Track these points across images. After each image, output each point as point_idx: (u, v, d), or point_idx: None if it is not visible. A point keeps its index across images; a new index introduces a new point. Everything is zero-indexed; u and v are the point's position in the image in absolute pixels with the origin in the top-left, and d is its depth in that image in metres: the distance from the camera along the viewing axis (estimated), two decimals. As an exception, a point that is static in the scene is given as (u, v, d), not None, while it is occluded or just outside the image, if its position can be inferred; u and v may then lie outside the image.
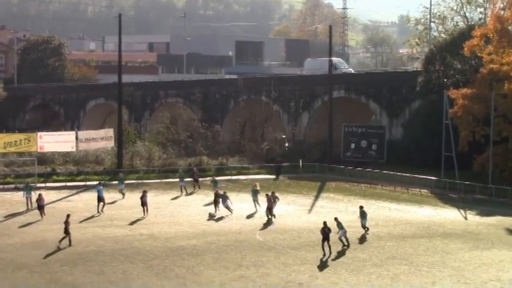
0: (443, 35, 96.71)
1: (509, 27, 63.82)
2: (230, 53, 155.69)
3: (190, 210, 51.33)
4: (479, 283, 32.67)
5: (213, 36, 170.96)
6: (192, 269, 34.65)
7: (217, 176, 68.64)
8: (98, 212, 49.51)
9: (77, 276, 33.26)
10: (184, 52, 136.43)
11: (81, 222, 46.04)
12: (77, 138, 71.02)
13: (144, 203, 48.28)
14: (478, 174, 61.31)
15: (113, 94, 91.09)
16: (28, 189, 52.03)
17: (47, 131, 75.40)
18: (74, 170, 68.98)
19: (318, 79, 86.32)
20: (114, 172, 68.32)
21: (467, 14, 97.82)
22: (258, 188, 52.02)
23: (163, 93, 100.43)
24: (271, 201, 47.15)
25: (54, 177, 66.29)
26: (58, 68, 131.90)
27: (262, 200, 49.15)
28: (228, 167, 72.17)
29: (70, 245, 38.88)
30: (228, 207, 48.95)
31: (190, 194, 58.93)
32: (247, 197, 53.49)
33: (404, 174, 64.75)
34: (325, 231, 37.35)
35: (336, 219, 39.23)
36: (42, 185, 62.30)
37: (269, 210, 46.75)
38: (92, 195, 56.00)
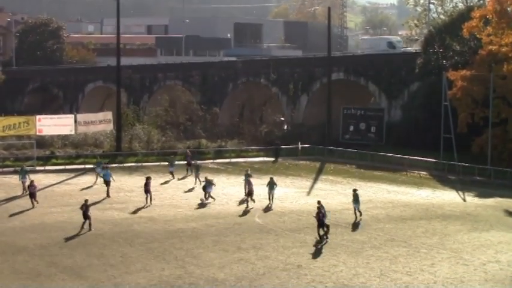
0: (442, 17, 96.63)
1: (508, 9, 63.68)
2: (229, 35, 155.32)
3: (189, 193, 51.28)
4: (478, 264, 32.76)
5: (212, 19, 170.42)
6: (191, 251, 34.72)
7: (216, 158, 68.87)
8: (108, 195, 49.05)
9: (77, 259, 33.33)
10: (183, 34, 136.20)
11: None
12: (75, 121, 70.97)
13: (147, 191, 46.54)
14: (476, 156, 61.40)
15: (111, 77, 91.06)
16: (23, 173, 51.81)
17: (45, 114, 75.30)
18: (73, 153, 69.01)
19: (317, 61, 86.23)
20: (113, 155, 68.39)
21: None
22: (249, 172, 51.29)
23: (162, 76, 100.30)
24: (251, 185, 46.91)
25: (54, 160, 66.27)
26: (56, 51, 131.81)
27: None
28: (227, 150, 72.18)
29: (90, 229, 38.73)
30: (209, 195, 47.77)
31: (183, 178, 58.02)
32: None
33: (403, 156, 64.78)
34: (320, 216, 36.86)
35: (318, 202, 38.21)
36: (41, 168, 62.31)
37: (250, 195, 46.33)
38: (91, 179, 56.11)
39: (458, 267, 32.25)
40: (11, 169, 60.61)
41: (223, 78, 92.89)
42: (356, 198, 42.05)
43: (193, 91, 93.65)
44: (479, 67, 62.30)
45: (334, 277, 30.68)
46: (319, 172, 62.46)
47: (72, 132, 71.02)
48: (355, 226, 40.47)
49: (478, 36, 64.77)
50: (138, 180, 53.70)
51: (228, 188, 52.76)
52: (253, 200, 46.15)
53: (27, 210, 44.53)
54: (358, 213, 42.01)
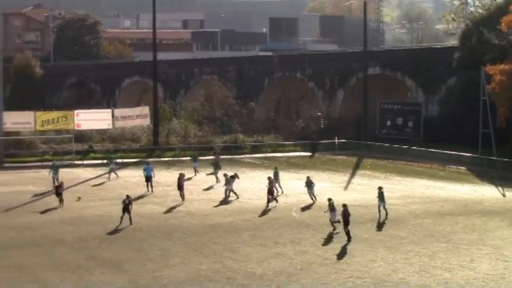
0: (480, 10, 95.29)
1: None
2: (264, 30, 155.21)
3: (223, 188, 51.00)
4: (518, 261, 32.39)
5: (247, 13, 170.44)
6: (229, 245, 34.75)
7: (253, 153, 68.96)
8: (148, 190, 48.97)
9: (116, 252, 33.55)
10: (219, 29, 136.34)
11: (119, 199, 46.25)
12: (113, 116, 71.55)
13: (180, 187, 46.08)
14: (516, 151, 60.75)
15: (148, 72, 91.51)
16: (55, 168, 51.97)
17: (83, 108, 75.93)
18: (111, 148, 69.50)
19: (353, 56, 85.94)
20: (150, 149, 68.76)
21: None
22: (277, 170, 50.75)
23: (198, 71, 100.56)
24: (273, 184, 46.04)
25: (92, 154, 66.86)
26: (93, 46, 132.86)
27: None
28: (264, 145, 72.20)
29: (131, 223, 38.89)
30: (230, 191, 46.89)
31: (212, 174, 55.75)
32: (283, 174, 53.15)
33: (441, 151, 64.27)
34: (346, 214, 35.69)
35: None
36: (80, 162, 62.84)
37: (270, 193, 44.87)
38: (129, 172, 56.48)
39: (498, 264, 31.88)
40: (50, 163, 61.06)
41: (259, 73, 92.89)
42: (381, 197, 41.23)
43: (229, 86, 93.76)
44: (518, 61, 61.59)
45: (372, 272, 30.49)
46: (356, 167, 62.21)
47: (110, 127, 71.62)
48: (395, 221, 40.03)
49: (517, 29, 64.07)
50: (176, 175, 53.79)
51: (264, 183, 52.41)
52: (274, 200, 45.08)
53: (55, 208, 44.22)
54: (383, 212, 41.13)
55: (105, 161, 59.70)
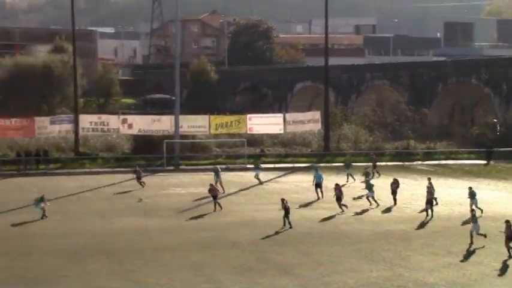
0: None
1: None
2: (438, 35, 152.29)
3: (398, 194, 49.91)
4: None
5: (421, 18, 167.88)
6: (399, 253, 34.24)
7: (425, 160, 67.77)
8: (318, 197, 48.65)
9: (286, 256, 33.80)
10: (391, 34, 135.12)
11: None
12: (284, 120, 72.26)
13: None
14: None
15: (319, 76, 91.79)
16: (217, 172, 52.10)
17: (255, 113, 77.18)
18: (282, 152, 70.22)
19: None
20: (321, 155, 68.99)
21: None
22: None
23: (369, 76, 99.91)
24: (432, 193, 43.98)
25: (263, 158, 67.79)
26: (266, 51, 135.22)
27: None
28: (436, 151, 70.70)
29: (290, 227, 39.32)
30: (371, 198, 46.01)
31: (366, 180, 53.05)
32: (456, 182, 51.89)
33: None
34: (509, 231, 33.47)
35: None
36: (251, 166, 63.95)
37: (429, 204, 43.10)
38: (300, 178, 56.83)
39: None
40: (223, 166, 62.45)
41: (432, 78, 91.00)
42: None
43: (401, 91, 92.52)
44: None
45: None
46: (536, 177, 59.58)
47: (282, 132, 72.31)
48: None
49: None
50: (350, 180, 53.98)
51: (438, 191, 50.76)
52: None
53: (210, 213, 44.44)
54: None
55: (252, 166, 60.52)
